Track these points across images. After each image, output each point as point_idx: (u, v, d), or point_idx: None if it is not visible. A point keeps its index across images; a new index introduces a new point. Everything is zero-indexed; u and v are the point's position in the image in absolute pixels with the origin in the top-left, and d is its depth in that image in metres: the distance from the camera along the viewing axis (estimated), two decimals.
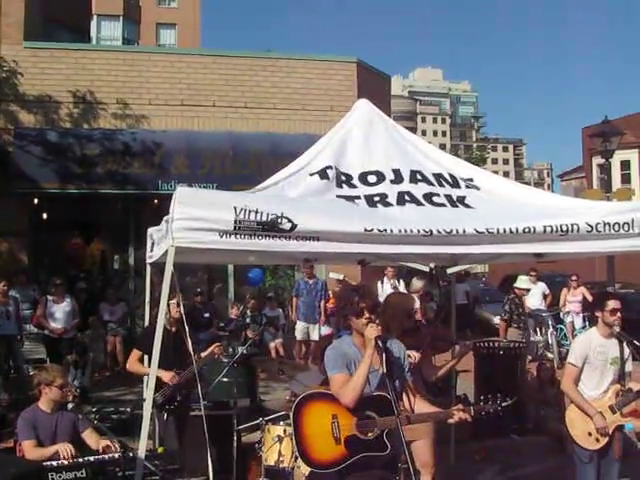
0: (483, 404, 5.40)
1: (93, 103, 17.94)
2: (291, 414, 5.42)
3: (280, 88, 19.04)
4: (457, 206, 7.38)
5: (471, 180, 7.89)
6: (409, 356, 6.84)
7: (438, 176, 7.81)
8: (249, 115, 18.78)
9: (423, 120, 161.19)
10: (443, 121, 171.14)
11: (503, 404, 5.39)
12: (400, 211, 7.14)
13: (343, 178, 7.65)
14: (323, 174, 7.65)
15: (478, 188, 7.75)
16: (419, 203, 7.31)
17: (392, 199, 7.32)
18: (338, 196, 7.41)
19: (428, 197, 7.43)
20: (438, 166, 8.02)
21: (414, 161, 7.98)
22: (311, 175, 7.62)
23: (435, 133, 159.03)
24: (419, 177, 7.71)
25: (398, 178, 7.64)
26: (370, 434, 5.17)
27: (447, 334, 7.27)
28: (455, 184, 7.75)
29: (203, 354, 8.76)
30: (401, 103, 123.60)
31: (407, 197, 7.35)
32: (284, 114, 18.95)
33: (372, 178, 7.69)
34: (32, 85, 17.55)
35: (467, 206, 7.40)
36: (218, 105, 18.57)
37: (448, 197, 7.48)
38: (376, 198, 7.35)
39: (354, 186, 7.58)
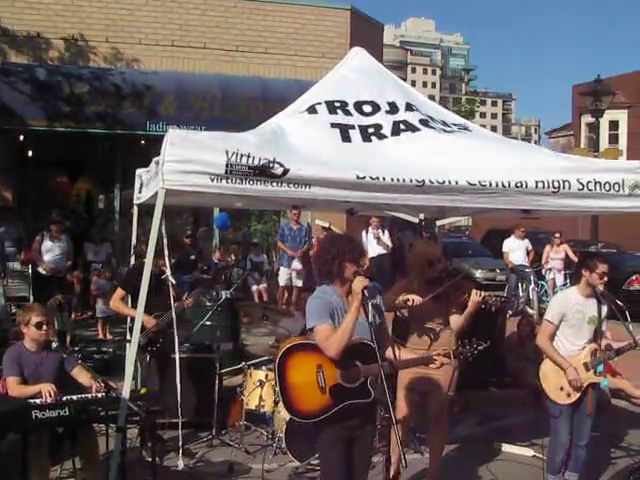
0: (461, 348, 5.61)
1: (82, 41, 17.64)
2: (275, 365, 5.36)
3: (272, 32, 18.80)
4: (453, 131, 7.43)
5: (462, 125, 7.92)
6: (410, 300, 6.94)
7: (431, 116, 7.86)
8: (240, 59, 18.56)
9: (413, 70, 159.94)
10: (433, 72, 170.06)
11: (479, 347, 5.61)
12: (396, 142, 7.14)
13: (337, 105, 7.64)
14: (311, 109, 7.63)
15: (470, 130, 7.79)
16: (415, 129, 7.36)
17: (387, 130, 7.33)
18: (333, 124, 7.42)
19: (424, 122, 7.47)
20: (431, 110, 8.06)
21: (409, 97, 8.00)
22: (300, 112, 7.59)
23: (425, 84, 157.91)
24: (414, 108, 7.73)
25: (393, 109, 7.68)
26: (355, 382, 5.18)
27: (464, 285, 7.23)
28: (446, 125, 7.81)
29: (185, 300, 8.68)
30: (392, 52, 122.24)
31: (402, 126, 7.42)
32: (275, 59, 18.75)
33: (367, 108, 7.74)
34: (19, 20, 17.21)
35: (465, 128, 7.49)
36: (209, 47, 18.33)
37: (443, 122, 7.53)
38: (371, 130, 7.36)
39: (349, 113, 7.61)
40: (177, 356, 7.89)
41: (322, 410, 5.20)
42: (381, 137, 7.29)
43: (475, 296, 6.98)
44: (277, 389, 5.51)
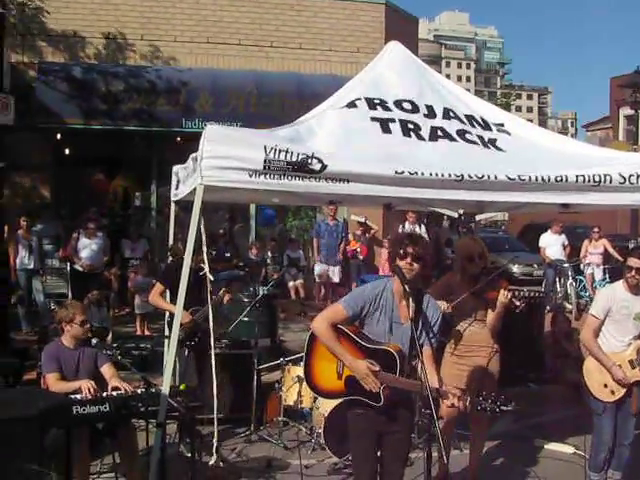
0: (483, 399, 5.11)
1: (118, 39, 17.75)
2: (306, 338, 5.55)
3: (307, 28, 18.76)
4: (489, 147, 7.30)
5: (502, 125, 7.78)
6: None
7: (470, 117, 7.71)
8: (274, 54, 18.56)
9: (448, 65, 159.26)
10: (468, 66, 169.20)
11: (502, 407, 5.05)
12: (433, 148, 7.07)
13: (377, 101, 7.56)
14: (351, 104, 7.57)
15: (509, 133, 7.64)
16: (452, 139, 7.24)
17: (425, 133, 7.24)
18: (373, 118, 7.35)
19: (461, 134, 7.34)
20: (469, 109, 7.92)
21: (446, 101, 7.88)
22: (340, 108, 7.53)
23: (459, 78, 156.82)
24: (452, 114, 7.62)
25: (431, 113, 7.56)
26: None
27: (497, 282, 7.12)
28: (486, 127, 7.66)
29: (222, 294, 8.71)
30: (426, 47, 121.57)
31: (440, 132, 7.28)
32: (310, 54, 18.70)
33: (407, 105, 7.60)
34: (57, 19, 17.33)
35: (498, 149, 7.31)
36: (244, 44, 18.33)
37: (480, 137, 7.39)
38: (410, 126, 7.26)
39: (389, 109, 7.50)
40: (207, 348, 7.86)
41: (334, 394, 5.49)
42: (420, 137, 7.20)
43: (502, 297, 6.88)
44: (303, 359, 5.66)
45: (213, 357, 8.06)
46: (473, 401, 5.13)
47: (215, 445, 7.76)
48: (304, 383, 8.43)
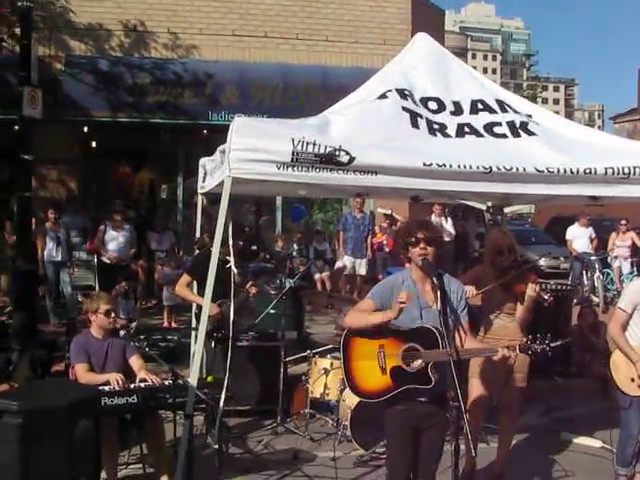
0: (530, 343, 5.20)
1: (144, 32, 17.80)
2: (341, 343, 5.44)
3: (333, 20, 18.69)
4: (519, 135, 7.25)
5: (530, 116, 7.73)
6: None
7: (500, 102, 7.67)
8: (300, 47, 18.52)
9: (473, 57, 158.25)
10: (494, 58, 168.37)
11: (552, 344, 5.16)
12: (460, 142, 7.04)
13: (407, 93, 7.53)
14: (382, 96, 7.54)
15: (537, 124, 7.59)
16: (479, 134, 7.20)
17: (451, 131, 7.21)
18: (404, 108, 7.32)
19: (489, 128, 7.30)
20: (499, 97, 7.88)
21: (475, 91, 7.84)
22: (372, 101, 7.51)
23: (485, 70, 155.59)
24: (480, 106, 7.59)
25: (458, 110, 7.53)
26: (415, 366, 5.12)
27: (525, 275, 7.07)
28: (517, 113, 7.62)
29: (249, 288, 8.70)
30: (452, 39, 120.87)
31: (467, 129, 7.25)
32: (336, 47, 18.63)
33: (433, 105, 7.58)
34: (83, 13, 17.41)
35: (530, 132, 7.27)
36: (270, 36, 18.33)
37: (510, 124, 7.35)
38: (436, 126, 7.25)
39: (417, 104, 7.47)
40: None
41: (383, 391, 5.26)
42: (446, 135, 7.18)
43: (530, 290, 6.83)
44: (342, 367, 5.51)
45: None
46: (522, 348, 5.18)
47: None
48: (330, 375, 8.52)
